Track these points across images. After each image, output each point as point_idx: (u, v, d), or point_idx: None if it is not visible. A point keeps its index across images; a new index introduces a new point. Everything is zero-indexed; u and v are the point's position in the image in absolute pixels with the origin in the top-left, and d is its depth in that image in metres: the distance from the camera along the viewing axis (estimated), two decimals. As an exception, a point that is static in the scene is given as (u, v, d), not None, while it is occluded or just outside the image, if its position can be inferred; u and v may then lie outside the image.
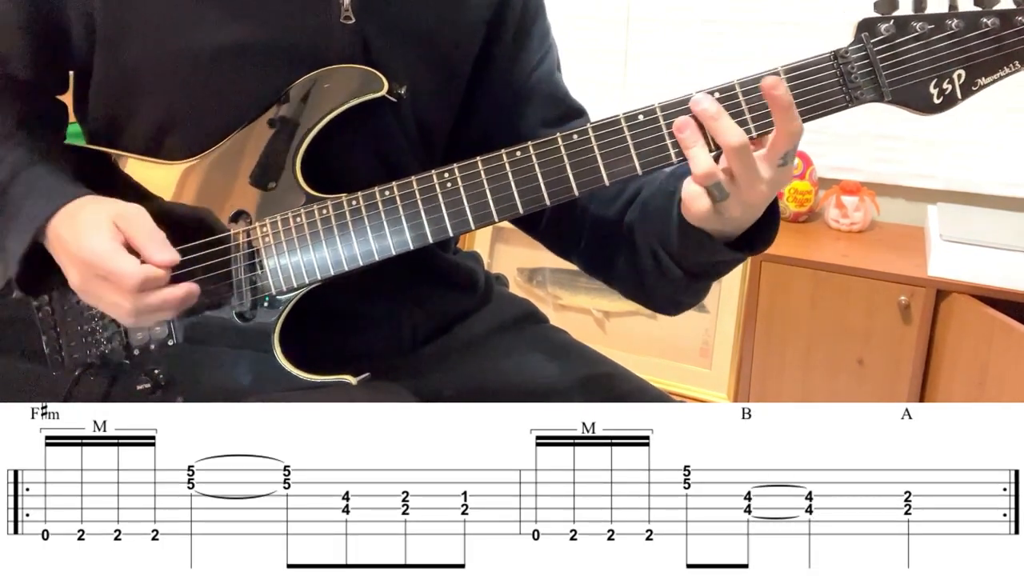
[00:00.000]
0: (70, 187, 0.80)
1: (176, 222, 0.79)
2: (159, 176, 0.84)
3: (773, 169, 0.72)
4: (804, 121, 0.73)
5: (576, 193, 0.76)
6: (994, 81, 0.73)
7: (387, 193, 0.79)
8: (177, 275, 0.76)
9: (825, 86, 0.73)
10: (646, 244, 0.83)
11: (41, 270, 0.79)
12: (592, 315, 2.14)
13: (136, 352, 0.83)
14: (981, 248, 1.64)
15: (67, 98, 0.92)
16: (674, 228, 0.78)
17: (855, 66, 0.73)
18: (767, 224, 0.77)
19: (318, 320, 0.85)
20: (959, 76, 0.73)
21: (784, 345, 1.84)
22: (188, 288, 0.75)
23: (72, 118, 0.93)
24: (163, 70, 0.81)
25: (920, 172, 1.93)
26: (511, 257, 2.22)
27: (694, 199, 0.73)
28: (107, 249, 0.73)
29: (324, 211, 0.80)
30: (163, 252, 0.74)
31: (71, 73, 0.89)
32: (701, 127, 0.72)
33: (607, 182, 0.75)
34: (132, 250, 0.74)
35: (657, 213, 0.81)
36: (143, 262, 0.73)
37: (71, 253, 0.75)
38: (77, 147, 0.88)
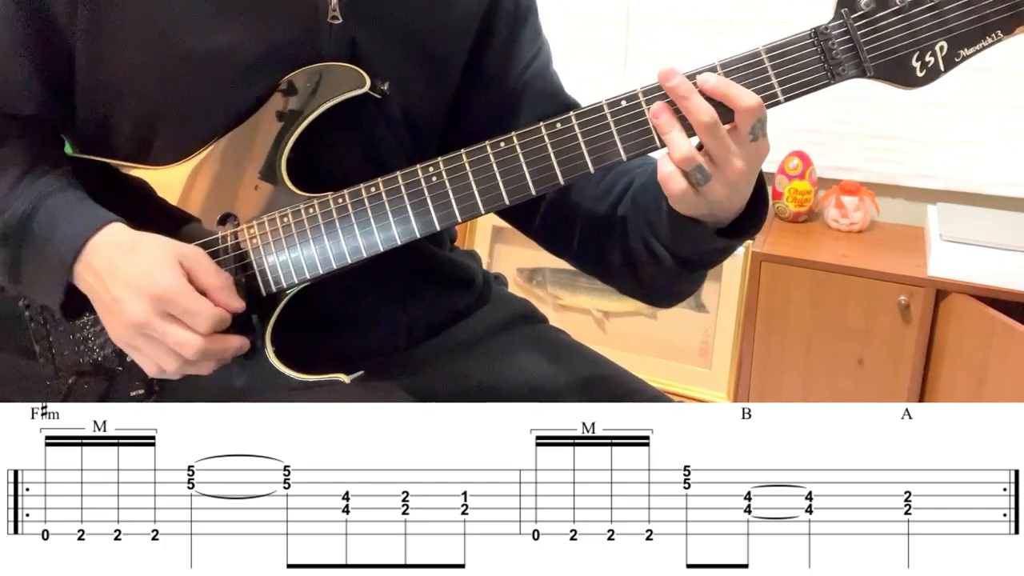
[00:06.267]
0: (101, 210, 0.79)
1: (164, 226, 0.79)
2: (145, 181, 0.83)
3: (745, 144, 0.72)
4: (786, 100, 0.73)
5: (562, 181, 0.76)
6: (976, 52, 0.72)
7: (373, 190, 0.78)
8: None
9: (806, 64, 0.73)
10: (639, 235, 0.83)
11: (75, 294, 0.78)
12: (592, 315, 2.14)
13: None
14: (981, 248, 1.64)
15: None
16: (664, 217, 0.78)
17: (836, 42, 0.73)
18: (756, 211, 0.78)
19: (311, 319, 0.85)
20: (941, 48, 0.72)
21: (784, 345, 1.84)
22: (243, 340, 0.77)
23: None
24: (149, 75, 0.80)
25: (920, 172, 1.93)
26: (511, 257, 2.22)
27: (670, 179, 0.73)
28: (184, 290, 0.73)
29: (311, 210, 0.79)
30: (235, 299, 0.76)
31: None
32: (676, 111, 0.72)
33: (592, 168, 0.75)
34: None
35: (647, 203, 0.81)
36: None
37: (135, 287, 0.73)
38: (69, 157, 0.87)
